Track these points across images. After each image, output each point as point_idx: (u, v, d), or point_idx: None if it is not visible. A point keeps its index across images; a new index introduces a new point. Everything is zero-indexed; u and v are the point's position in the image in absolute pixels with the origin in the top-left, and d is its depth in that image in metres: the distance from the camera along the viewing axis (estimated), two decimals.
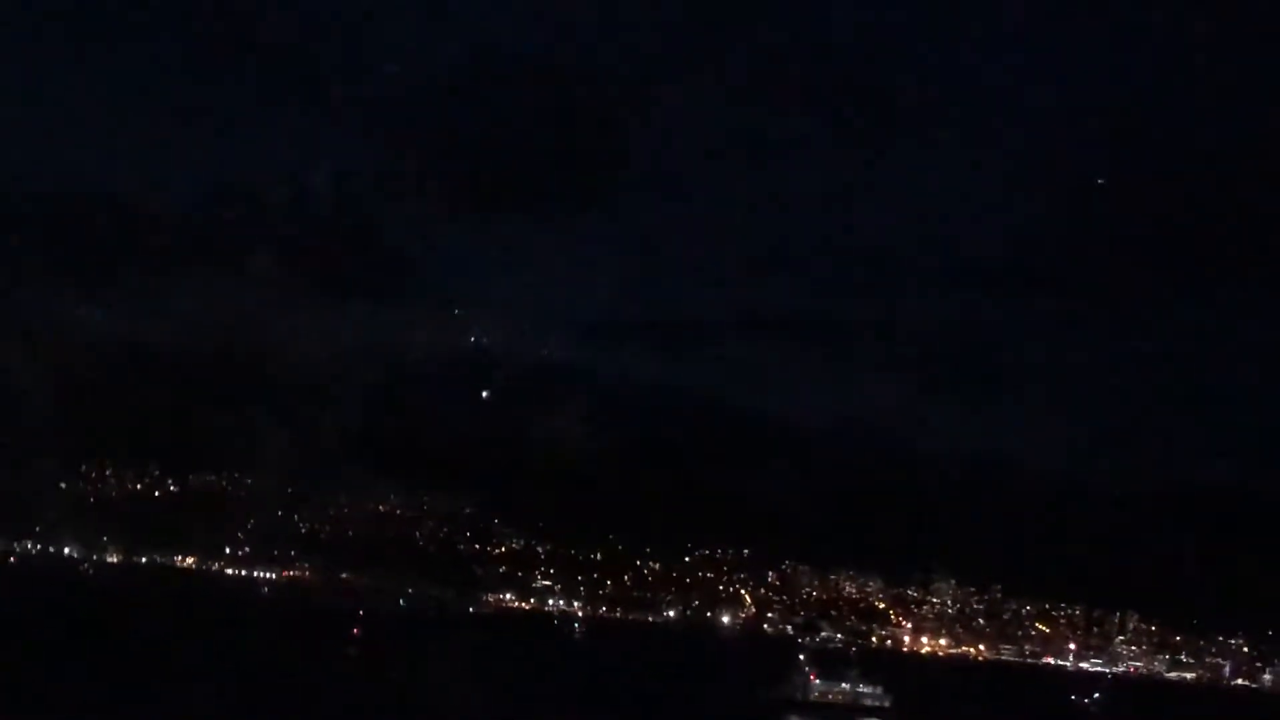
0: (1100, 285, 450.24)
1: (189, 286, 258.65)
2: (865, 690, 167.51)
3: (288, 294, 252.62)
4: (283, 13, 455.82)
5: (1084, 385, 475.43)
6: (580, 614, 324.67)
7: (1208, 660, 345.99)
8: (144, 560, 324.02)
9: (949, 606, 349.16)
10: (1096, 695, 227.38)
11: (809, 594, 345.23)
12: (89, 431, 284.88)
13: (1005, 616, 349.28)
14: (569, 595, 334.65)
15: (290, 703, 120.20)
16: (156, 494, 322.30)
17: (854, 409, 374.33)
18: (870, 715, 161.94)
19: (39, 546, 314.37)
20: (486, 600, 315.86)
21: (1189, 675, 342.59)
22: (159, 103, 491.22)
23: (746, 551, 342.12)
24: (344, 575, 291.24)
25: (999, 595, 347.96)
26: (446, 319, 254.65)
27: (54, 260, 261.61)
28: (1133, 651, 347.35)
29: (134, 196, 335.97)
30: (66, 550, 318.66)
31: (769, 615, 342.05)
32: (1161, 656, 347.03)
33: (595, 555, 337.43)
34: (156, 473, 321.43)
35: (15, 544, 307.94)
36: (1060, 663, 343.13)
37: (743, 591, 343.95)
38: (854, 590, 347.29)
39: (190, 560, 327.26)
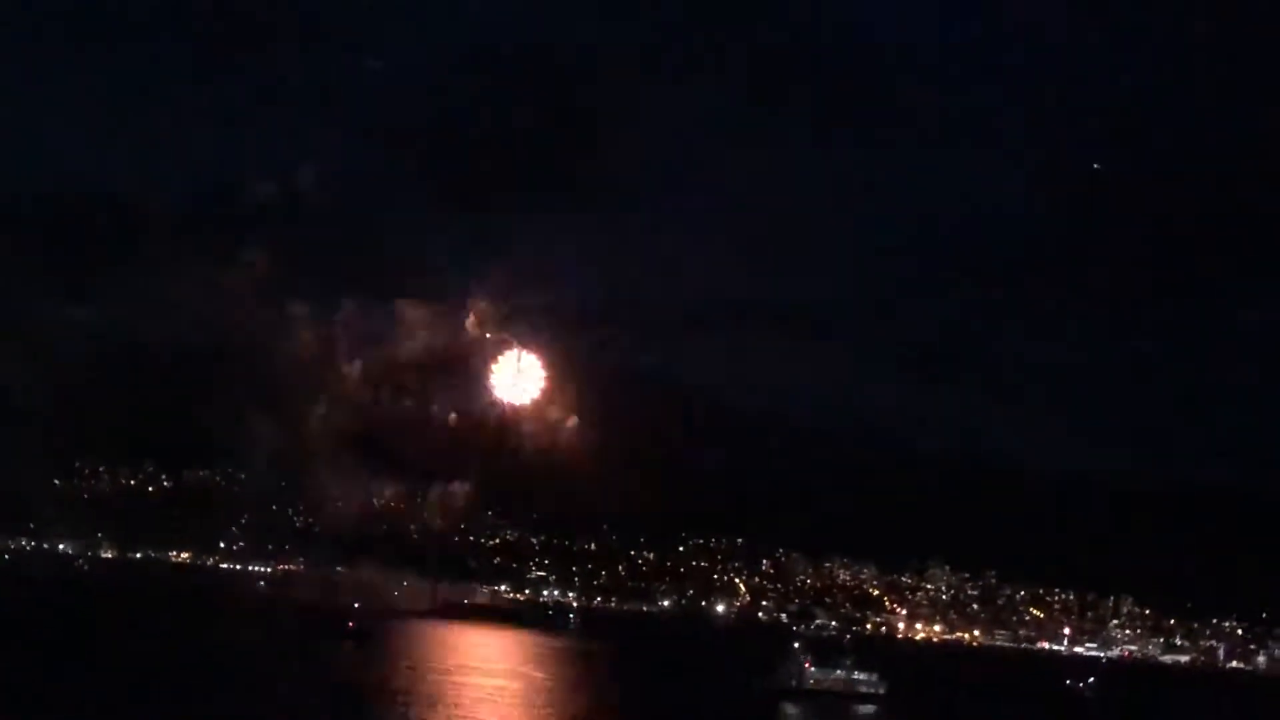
0: (1093, 281, 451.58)
1: (182, 284, 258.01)
2: (860, 677, 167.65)
3: (280, 290, 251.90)
4: (277, 11, 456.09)
5: (1076, 377, 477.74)
6: (575, 604, 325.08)
7: (1202, 644, 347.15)
8: (138, 556, 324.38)
9: (943, 593, 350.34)
10: (1091, 680, 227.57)
11: (803, 582, 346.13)
12: (83, 429, 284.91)
13: (999, 602, 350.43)
14: (563, 586, 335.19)
15: (284, 695, 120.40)
16: (150, 490, 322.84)
17: (847, 400, 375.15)
18: (865, 702, 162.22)
19: (33, 543, 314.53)
20: (480, 591, 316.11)
21: (1183, 659, 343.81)
22: (152, 101, 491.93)
23: (740, 540, 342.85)
24: (338, 569, 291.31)
25: (993, 581, 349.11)
26: (439, 313, 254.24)
27: (47, 258, 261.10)
28: (1127, 635, 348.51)
29: (127, 195, 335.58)
30: (61, 547, 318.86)
31: (763, 603, 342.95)
32: (1156, 640, 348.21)
33: (589, 546, 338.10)
34: (150, 469, 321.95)
35: (10, 541, 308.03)
36: (1055, 647, 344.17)
37: (737, 580, 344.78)
38: (848, 578, 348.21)
39: (185, 555, 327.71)
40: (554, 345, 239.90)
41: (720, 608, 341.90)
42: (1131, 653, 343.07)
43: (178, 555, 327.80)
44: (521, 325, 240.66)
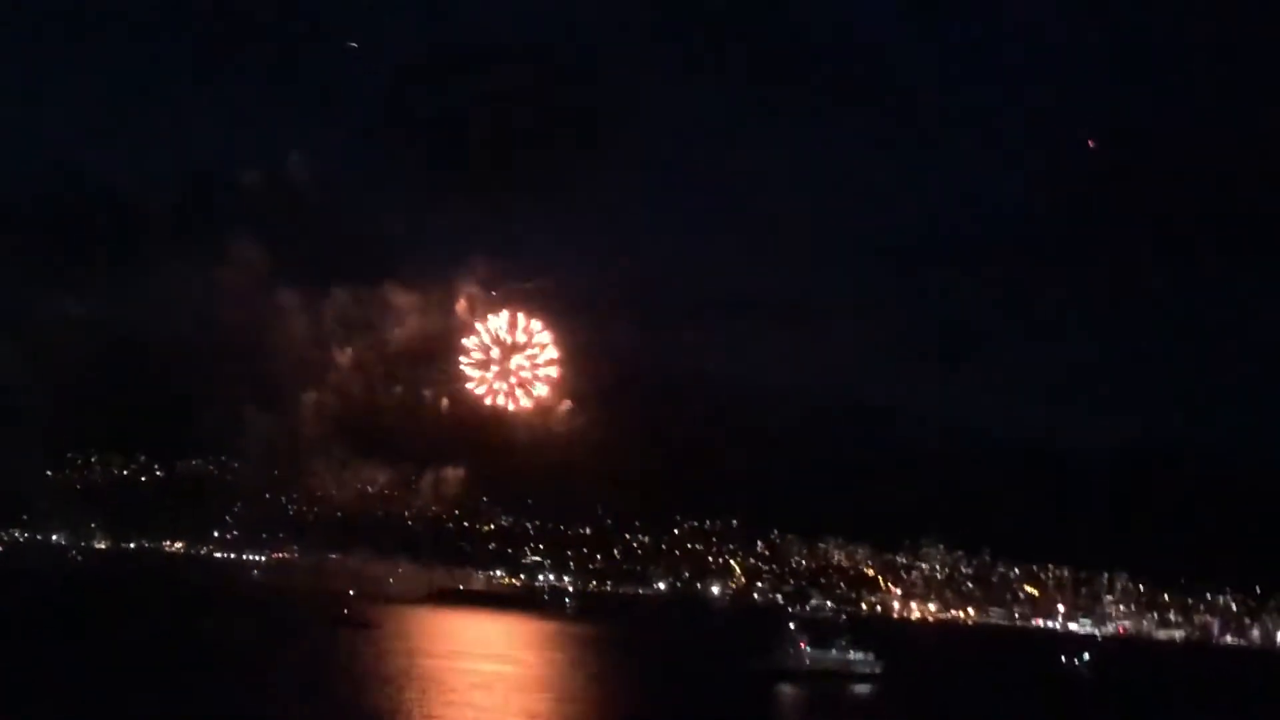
0: (1080, 258, 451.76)
1: (174, 274, 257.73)
2: (856, 657, 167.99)
3: (271, 279, 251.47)
4: (270, 3, 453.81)
5: (1065, 354, 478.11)
6: (571, 588, 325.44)
7: (1196, 618, 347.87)
8: (132, 546, 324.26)
9: (937, 572, 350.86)
10: (1086, 656, 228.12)
11: (798, 563, 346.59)
12: (75, 420, 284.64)
13: (993, 580, 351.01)
14: (559, 570, 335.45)
15: (281, 683, 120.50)
16: (143, 480, 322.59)
17: (840, 382, 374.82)
18: (861, 682, 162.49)
19: (27, 535, 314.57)
20: (476, 577, 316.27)
21: (1178, 634, 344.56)
22: (146, 94, 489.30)
23: (735, 522, 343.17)
24: (332, 556, 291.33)
25: (987, 559, 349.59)
26: (430, 300, 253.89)
27: (38, 251, 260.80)
28: (1121, 611, 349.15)
29: (119, 187, 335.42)
30: (55, 538, 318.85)
31: (759, 585, 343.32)
32: (1150, 616, 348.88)
33: (584, 530, 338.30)
34: (143, 459, 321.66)
35: (4, 533, 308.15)
36: (1050, 624, 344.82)
37: (732, 562, 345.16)
38: (843, 558, 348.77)
39: (179, 545, 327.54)
40: (544, 328, 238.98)
41: (716, 590, 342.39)
42: (1126, 629, 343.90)
43: (171, 545, 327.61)
44: (511, 308, 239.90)
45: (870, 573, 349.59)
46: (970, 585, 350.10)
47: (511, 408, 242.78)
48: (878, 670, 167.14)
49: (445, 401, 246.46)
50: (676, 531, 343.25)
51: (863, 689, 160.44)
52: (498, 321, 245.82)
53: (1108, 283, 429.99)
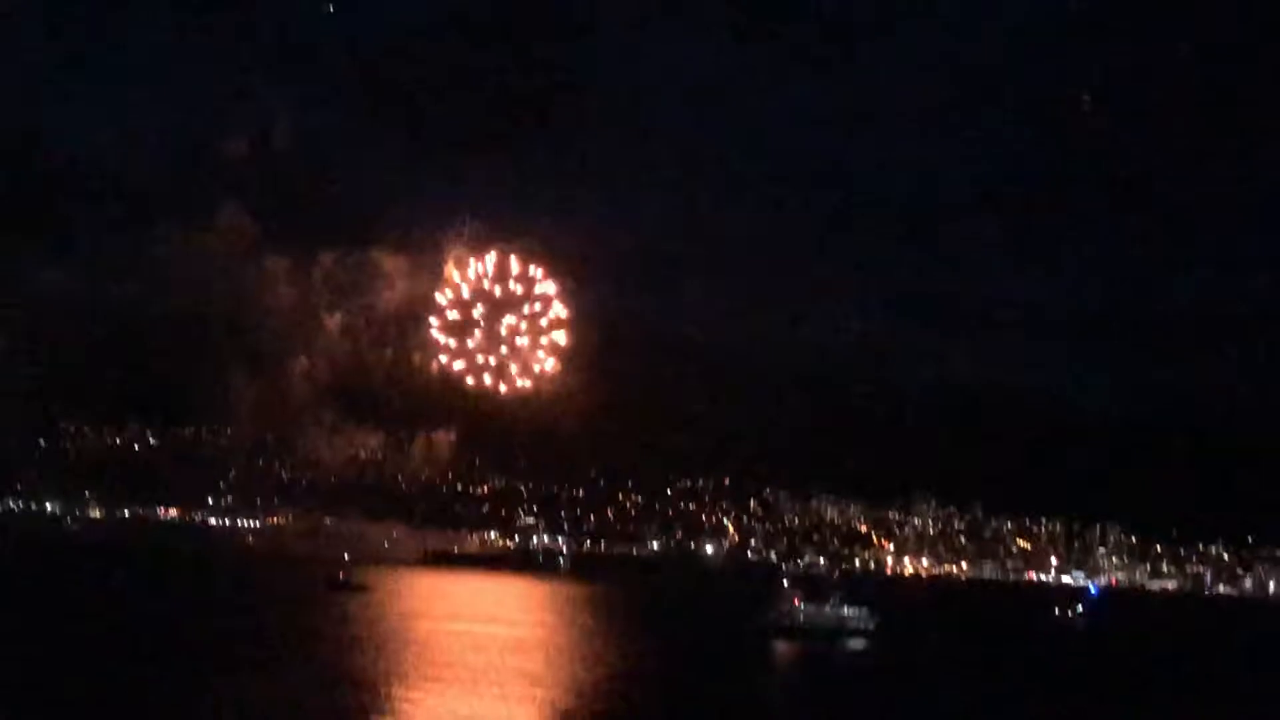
0: (1072, 214, 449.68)
1: (160, 243, 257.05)
2: (850, 613, 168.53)
3: (259, 245, 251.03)
4: None
5: (1057, 308, 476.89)
6: (564, 549, 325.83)
7: (1189, 569, 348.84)
8: (126, 514, 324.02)
9: (930, 527, 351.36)
10: (1080, 609, 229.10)
11: (791, 520, 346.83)
12: (66, 389, 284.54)
13: (986, 534, 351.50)
14: (552, 531, 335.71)
15: (280, 648, 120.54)
16: (136, 448, 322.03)
17: (829, 337, 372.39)
18: (856, 638, 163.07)
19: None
20: (469, 539, 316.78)
21: (1170, 585, 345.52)
22: (125, 61, 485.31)
23: (727, 481, 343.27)
24: (327, 520, 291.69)
25: (979, 514, 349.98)
26: (416, 262, 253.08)
27: (26, 221, 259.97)
28: (1115, 563, 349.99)
29: (99, 156, 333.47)
30: (49, 507, 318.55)
31: (752, 543, 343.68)
32: (1143, 567, 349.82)
33: (577, 491, 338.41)
34: (135, 427, 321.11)
35: None
36: (1043, 578, 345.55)
37: (725, 521, 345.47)
38: (835, 515, 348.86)
39: (173, 512, 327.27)
40: (536, 289, 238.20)
41: (709, 548, 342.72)
42: (1119, 580, 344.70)
43: (166, 512, 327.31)
44: (500, 270, 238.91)
45: (863, 529, 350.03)
46: (963, 540, 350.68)
47: (504, 389, 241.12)
48: (872, 626, 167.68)
49: (436, 365, 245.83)
50: (669, 491, 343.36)
51: (857, 644, 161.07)
52: (482, 270, 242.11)
53: (1102, 236, 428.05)
